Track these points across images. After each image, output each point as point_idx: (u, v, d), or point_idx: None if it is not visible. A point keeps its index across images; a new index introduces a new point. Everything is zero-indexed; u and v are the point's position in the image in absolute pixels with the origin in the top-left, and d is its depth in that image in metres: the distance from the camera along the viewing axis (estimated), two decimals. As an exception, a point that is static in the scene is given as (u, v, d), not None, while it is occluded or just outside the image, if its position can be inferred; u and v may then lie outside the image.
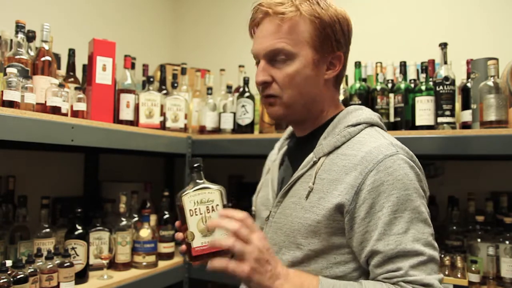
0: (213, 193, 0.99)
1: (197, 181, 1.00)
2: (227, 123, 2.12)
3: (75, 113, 1.57)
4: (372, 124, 1.01)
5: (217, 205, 0.98)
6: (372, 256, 0.89)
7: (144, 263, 1.78)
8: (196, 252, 0.96)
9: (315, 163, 0.98)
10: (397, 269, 0.86)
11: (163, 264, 1.85)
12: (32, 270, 1.31)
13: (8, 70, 1.30)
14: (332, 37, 0.98)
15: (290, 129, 1.19)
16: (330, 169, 0.95)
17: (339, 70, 1.02)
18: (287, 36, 0.95)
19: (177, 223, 0.99)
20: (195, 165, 1.00)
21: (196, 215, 0.97)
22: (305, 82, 0.98)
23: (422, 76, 1.72)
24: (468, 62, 1.75)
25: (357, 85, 1.82)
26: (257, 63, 1.02)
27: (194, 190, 0.98)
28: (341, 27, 0.99)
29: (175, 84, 2.07)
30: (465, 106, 1.68)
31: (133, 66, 1.95)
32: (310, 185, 0.96)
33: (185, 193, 0.97)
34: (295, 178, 1.00)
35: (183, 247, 0.97)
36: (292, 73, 0.96)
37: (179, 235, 0.95)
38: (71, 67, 1.78)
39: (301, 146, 1.07)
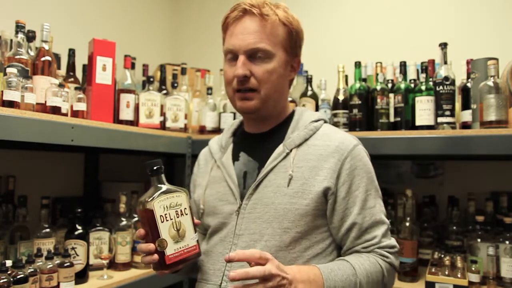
0: (181, 196, 0.96)
1: (158, 185, 0.96)
2: (227, 123, 2.12)
3: (75, 113, 1.57)
4: (325, 121, 1.16)
5: (185, 208, 0.96)
6: (351, 229, 1.04)
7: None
8: (170, 260, 0.93)
9: (287, 154, 1.07)
10: (373, 238, 1.04)
11: (163, 264, 1.85)
12: (32, 270, 1.31)
13: (8, 70, 1.30)
14: (298, 43, 1.12)
15: (232, 127, 1.25)
16: (306, 158, 1.06)
17: (296, 73, 1.16)
18: (268, 37, 1.05)
19: (141, 232, 0.96)
20: (155, 167, 0.96)
21: (167, 220, 0.93)
22: (278, 80, 1.08)
23: (422, 76, 1.72)
24: (468, 62, 1.75)
25: (357, 85, 1.82)
26: (230, 59, 1.08)
27: (161, 194, 0.93)
28: (302, 35, 1.14)
29: (175, 84, 2.07)
30: (465, 106, 1.68)
31: (133, 66, 1.95)
32: (290, 173, 1.04)
33: (151, 198, 0.92)
34: (269, 169, 1.06)
35: (154, 257, 0.93)
36: (270, 70, 1.05)
37: (151, 247, 0.93)
38: (71, 67, 1.78)
39: (261, 141, 1.14)
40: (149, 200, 0.93)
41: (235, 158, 1.16)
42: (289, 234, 1.02)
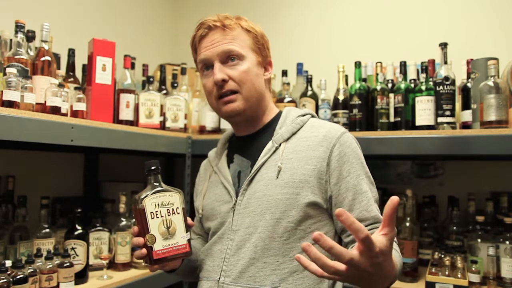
0: (173, 195, 1.01)
1: (154, 184, 1.01)
2: (227, 123, 2.11)
3: (75, 113, 1.56)
4: (312, 115, 1.20)
5: (177, 207, 1.01)
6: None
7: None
8: (158, 255, 0.97)
9: (277, 148, 1.11)
10: (377, 219, 1.04)
11: (163, 264, 1.85)
12: (32, 270, 1.31)
13: (8, 70, 1.30)
14: (265, 45, 1.18)
15: (226, 135, 1.31)
16: (296, 150, 1.09)
17: (271, 73, 1.21)
18: (236, 41, 1.12)
19: (135, 229, 1.01)
20: (152, 167, 1.01)
21: (157, 217, 0.98)
22: (256, 78, 1.13)
23: (422, 76, 1.72)
24: (468, 62, 1.75)
25: (357, 85, 1.82)
26: (206, 70, 1.15)
27: (154, 193, 0.98)
28: (266, 38, 1.20)
29: (175, 84, 2.07)
30: (465, 106, 1.68)
31: (133, 66, 1.95)
32: (278, 165, 1.07)
33: (144, 195, 0.98)
34: (260, 164, 1.11)
35: (143, 251, 0.97)
36: (245, 70, 1.10)
37: (140, 240, 0.98)
38: (71, 67, 1.78)
39: (252, 141, 1.19)
40: (142, 197, 0.97)
41: (230, 161, 1.22)
42: (282, 224, 1.04)
